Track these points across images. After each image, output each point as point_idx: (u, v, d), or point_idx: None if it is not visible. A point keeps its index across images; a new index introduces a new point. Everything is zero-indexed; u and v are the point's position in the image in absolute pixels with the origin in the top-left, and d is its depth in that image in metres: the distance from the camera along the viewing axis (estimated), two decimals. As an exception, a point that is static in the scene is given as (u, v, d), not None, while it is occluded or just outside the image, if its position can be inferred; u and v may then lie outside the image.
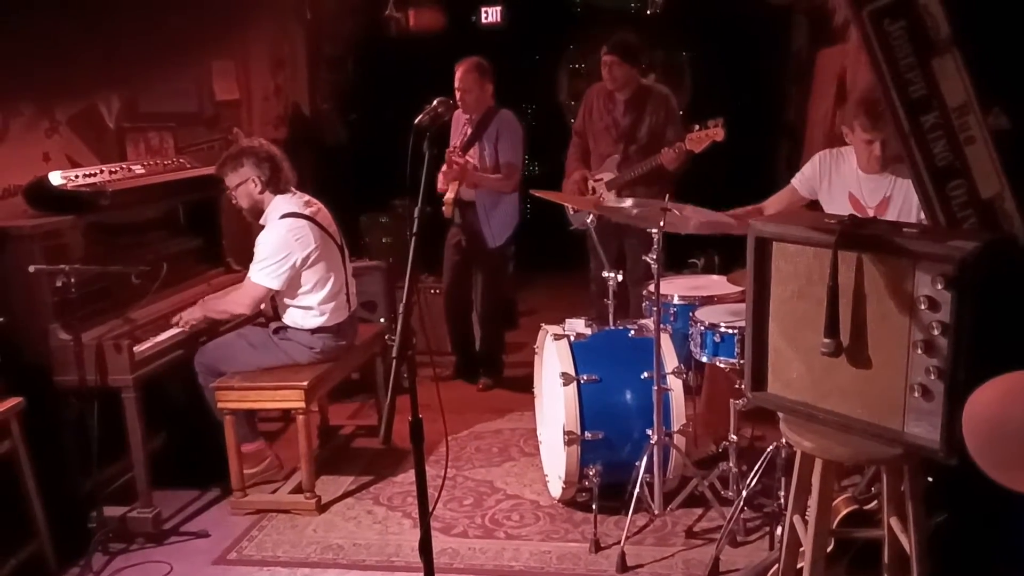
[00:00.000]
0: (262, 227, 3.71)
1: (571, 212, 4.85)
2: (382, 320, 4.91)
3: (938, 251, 1.99)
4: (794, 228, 2.28)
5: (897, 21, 2.16)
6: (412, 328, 2.24)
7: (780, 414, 2.42)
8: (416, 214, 2.26)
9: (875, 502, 2.68)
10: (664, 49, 7.47)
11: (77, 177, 3.45)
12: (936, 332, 2.00)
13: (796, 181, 3.39)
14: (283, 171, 3.74)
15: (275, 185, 3.70)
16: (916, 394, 2.06)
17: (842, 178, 3.25)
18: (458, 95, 4.64)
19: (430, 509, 2.30)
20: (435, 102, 2.42)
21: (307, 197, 3.81)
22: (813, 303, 2.21)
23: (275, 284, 3.60)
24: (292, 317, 3.74)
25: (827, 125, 5.51)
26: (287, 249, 3.59)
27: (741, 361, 3.04)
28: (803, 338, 2.26)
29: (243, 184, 3.68)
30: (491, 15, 7.28)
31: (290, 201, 3.72)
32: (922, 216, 2.67)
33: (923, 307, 2.02)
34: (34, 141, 3.77)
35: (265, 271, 3.59)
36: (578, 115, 4.96)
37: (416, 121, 2.34)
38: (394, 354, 2.18)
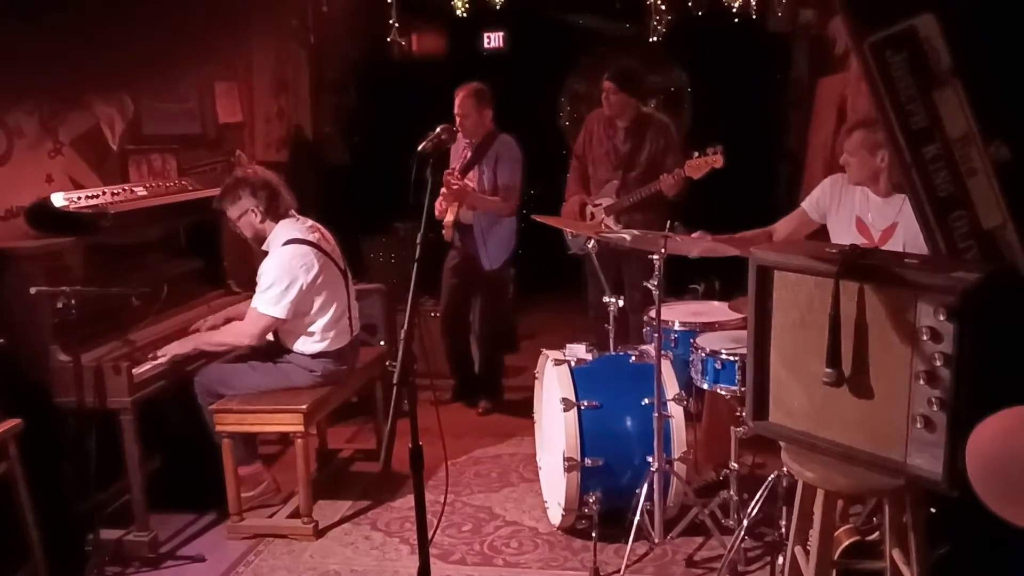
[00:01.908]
0: (265, 252, 3.70)
1: (570, 237, 4.86)
2: (382, 343, 4.90)
3: (941, 282, 1.99)
4: (795, 257, 2.28)
5: (899, 53, 2.17)
6: (413, 353, 2.23)
7: (782, 443, 2.41)
8: (419, 240, 2.26)
9: (877, 533, 2.66)
10: (665, 75, 7.52)
11: (79, 199, 3.46)
12: (938, 363, 2.00)
13: (806, 204, 3.39)
14: (281, 196, 3.72)
15: (275, 212, 3.69)
16: (918, 425, 2.05)
17: (851, 202, 3.25)
18: (457, 120, 4.68)
19: (429, 537, 2.28)
20: (438, 129, 2.43)
21: (310, 222, 3.80)
22: (815, 332, 2.21)
23: (281, 313, 3.56)
24: (293, 342, 3.73)
25: (827, 153, 5.53)
26: (291, 276, 3.56)
27: (742, 389, 3.03)
28: (805, 367, 2.26)
29: (244, 215, 3.68)
30: (494, 40, 7.33)
31: (293, 227, 3.71)
32: None
33: (925, 338, 2.02)
34: (37, 162, 3.77)
35: (271, 300, 3.55)
36: (578, 139, 4.98)
37: (419, 148, 2.35)
38: (395, 380, 2.17)
